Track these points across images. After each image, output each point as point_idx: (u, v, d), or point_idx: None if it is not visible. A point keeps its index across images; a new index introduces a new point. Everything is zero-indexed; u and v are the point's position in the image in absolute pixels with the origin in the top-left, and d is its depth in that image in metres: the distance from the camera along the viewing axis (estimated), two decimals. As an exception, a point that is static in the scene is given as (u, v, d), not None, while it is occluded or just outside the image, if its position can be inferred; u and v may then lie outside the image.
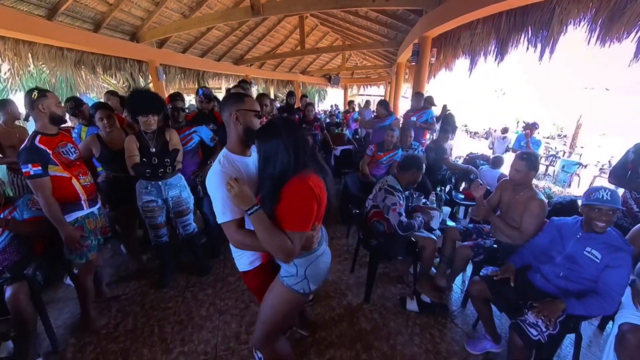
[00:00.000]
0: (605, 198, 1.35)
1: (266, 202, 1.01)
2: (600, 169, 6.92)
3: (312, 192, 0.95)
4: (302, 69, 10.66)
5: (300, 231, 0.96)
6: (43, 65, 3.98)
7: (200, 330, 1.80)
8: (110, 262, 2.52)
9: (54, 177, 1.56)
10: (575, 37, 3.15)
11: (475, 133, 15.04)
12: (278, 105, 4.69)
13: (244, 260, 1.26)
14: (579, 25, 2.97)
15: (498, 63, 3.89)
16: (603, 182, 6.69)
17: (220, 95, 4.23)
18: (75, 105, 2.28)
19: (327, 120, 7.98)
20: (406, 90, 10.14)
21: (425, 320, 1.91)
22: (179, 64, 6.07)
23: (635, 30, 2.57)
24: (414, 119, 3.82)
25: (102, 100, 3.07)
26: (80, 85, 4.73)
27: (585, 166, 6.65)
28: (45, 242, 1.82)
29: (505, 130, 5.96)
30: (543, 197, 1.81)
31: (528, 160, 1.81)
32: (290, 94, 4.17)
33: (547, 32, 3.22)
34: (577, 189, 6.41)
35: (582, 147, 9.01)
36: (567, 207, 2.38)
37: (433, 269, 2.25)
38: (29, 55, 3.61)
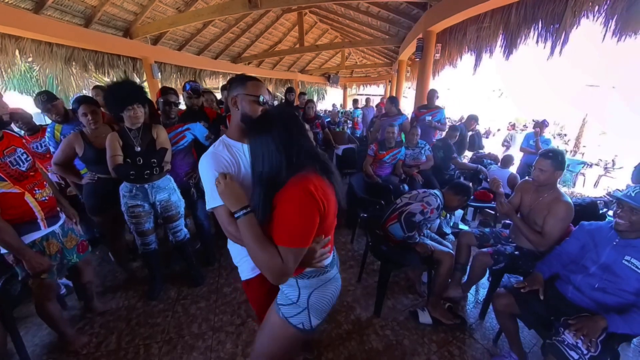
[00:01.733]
0: (629, 193, 1.22)
1: (257, 210, 0.82)
2: (605, 167, 6.78)
3: (311, 199, 0.76)
4: (301, 67, 10.49)
5: (295, 247, 0.77)
6: (32, 62, 3.78)
7: (190, 351, 1.61)
8: (97, 271, 2.32)
9: (1, 195, 1.27)
10: (586, 31, 2.99)
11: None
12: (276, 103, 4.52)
13: (246, 265, 1.09)
14: (594, 18, 2.81)
15: (506, 57, 3.72)
16: (609, 181, 6.54)
17: (219, 95, 4.05)
18: (48, 99, 2.05)
19: (328, 119, 7.82)
20: (406, 90, 10.00)
21: (443, 337, 1.73)
22: (175, 62, 5.88)
23: None
24: (428, 118, 3.63)
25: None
26: (71, 83, 4.52)
27: (591, 165, 6.50)
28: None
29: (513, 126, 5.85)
30: (569, 200, 1.63)
31: (554, 159, 1.64)
32: (290, 90, 3.99)
33: (558, 25, 3.05)
34: (582, 189, 6.26)
35: (584, 147, 8.89)
36: (588, 209, 2.21)
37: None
38: (16, 51, 3.41)
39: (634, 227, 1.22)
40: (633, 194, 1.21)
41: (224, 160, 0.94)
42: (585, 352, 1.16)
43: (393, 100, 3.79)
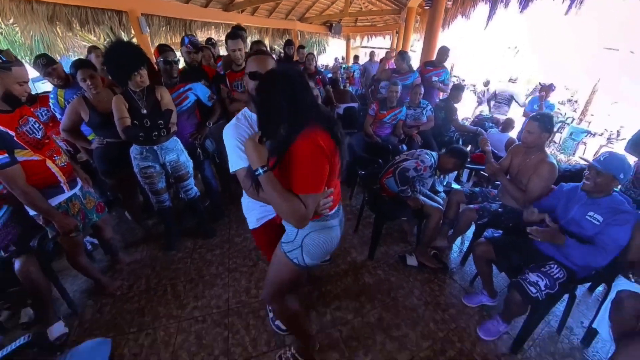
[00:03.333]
0: (599, 159, 1.36)
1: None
2: (608, 138, 6.67)
3: (320, 149, 0.85)
4: (300, 14, 9.61)
5: (314, 193, 0.88)
6: (14, 24, 3.53)
7: (211, 287, 1.90)
8: (116, 230, 2.53)
9: (25, 163, 1.35)
10: None
11: (474, 89, 14.24)
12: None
13: (252, 217, 1.26)
14: None
15: (522, 9, 3.46)
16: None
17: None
18: (47, 62, 1.99)
19: (329, 74, 7.46)
20: (414, 43, 9.30)
21: (426, 276, 2.01)
22: (162, 12, 5.42)
23: None
24: (435, 78, 3.51)
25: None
26: (58, 44, 4.27)
27: (594, 135, 6.38)
28: None
29: (487, 83, 5.70)
30: (554, 161, 1.74)
31: (541, 122, 1.71)
32: (288, 44, 3.77)
33: None
34: (580, 158, 6.29)
35: (592, 115, 8.59)
36: (575, 175, 2.32)
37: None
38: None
39: (598, 188, 1.37)
40: (602, 159, 1.34)
41: (243, 132, 1.07)
42: (543, 288, 1.39)
43: (404, 56, 3.57)
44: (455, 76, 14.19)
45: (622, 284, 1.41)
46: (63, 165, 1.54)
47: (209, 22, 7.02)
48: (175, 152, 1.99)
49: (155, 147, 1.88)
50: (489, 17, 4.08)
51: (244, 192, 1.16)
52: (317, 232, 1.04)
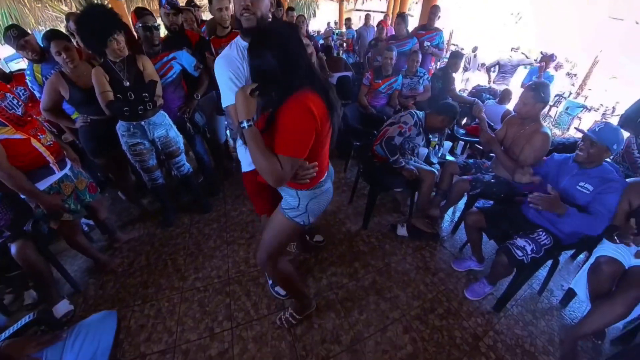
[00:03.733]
0: (594, 129, 1.38)
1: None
2: (603, 113, 6.63)
3: (310, 115, 0.83)
4: (289, -26, 8.84)
5: (293, 157, 0.88)
6: None
7: (211, 259, 1.95)
8: (111, 210, 2.51)
9: (6, 142, 1.28)
10: None
11: (483, 64, 13.76)
12: None
13: (246, 160, 1.27)
14: None
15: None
16: None
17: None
18: (19, 34, 1.82)
19: (321, 41, 7.04)
20: (412, 6, 8.72)
21: (418, 244, 2.10)
22: (137, -32, 4.91)
23: None
24: (427, 43, 3.35)
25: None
26: (27, 17, 3.89)
27: (590, 109, 6.32)
28: None
29: (474, 49, 5.54)
30: (548, 131, 1.74)
31: (536, 91, 1.68)
32: (277, 5, 3.50)
33: None
34: (575, 132, 6.29)
35: (589, 90, 8.44)
36: (568, 147, 2.36)
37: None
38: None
39: (590, 159, 1.40)
40: (597, 130, 1.36)
41: (236, 62, 1.03)
42: (529, 252, 1.47)
43: (404, 19, 3.36)
44: (454, 44, 13.62)
45: (601, 249, 1.49)
46: (49, 144, 1.48)
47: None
48: (164, 127, 1.91)
49: (142, 123, 1.80)
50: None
51: None
52: (317, 198, 1.10)
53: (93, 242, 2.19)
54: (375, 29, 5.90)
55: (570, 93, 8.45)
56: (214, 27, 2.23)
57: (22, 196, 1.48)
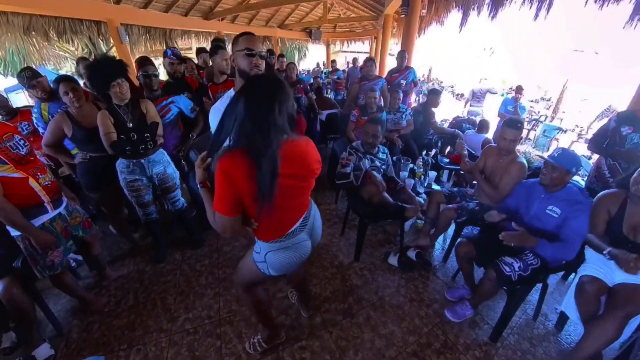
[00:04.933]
0: (553, 155, 1.50)
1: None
2: (579, 134, 7.16)
3: (223, 177, 0.85)
4: (279, 21, 9.72)
5: (219, 213, 0.90)
6: None
7: (202, 298, 1.90)
8: (101, 244, 2.44)
9: (6, 179, 1.33)
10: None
11: (461, 95, 14.85)
12: None
13: None
14: None
15: (492, 17, 3.71)
16: (580, 147, 6.94)
17: (189, 54, 3.84)
18: (32, 75, 1.98)
19: (311, 80, 7.57)
20: (392, 47, 9.61)
21: (410, 275, 2.10)
22: (141, 22, 5.35)
23: None
24: (403, 82, 3.68)
25: (66, 71, 2.71)
26: (34, 55, 4.15)
27: (565, 131, 6.88)
28: None
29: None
30: (524, 161, 1.89)
31: (519, 128, 1.86)
32: (270, 53, 3.84)
33: None
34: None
35: (563, 112, 9.19)
36: None
37: (419, 221, 2.53)
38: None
39: (554, 182, 1.52)
40: (556, 155, 1.49)
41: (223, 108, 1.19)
42: (517, 269, 1.50)
43: (373, 62, 3.75)
44: (435, 78, 14.77)
45: (585, 269, 1.55)
46: (47, 184, 1.52)
47: (189, 30, 6.98)
48: (162, 164, 1.99)
49: (142, 160, 1.88)
50: (462, 24, 4.33)
51: None
52: (275, 252, 1.09)
53: (80, 278, 2.13)
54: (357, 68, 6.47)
55: (546, 117, 9.12)
56: (211, 75, 2.44)
57: (13, 234, 1.48)
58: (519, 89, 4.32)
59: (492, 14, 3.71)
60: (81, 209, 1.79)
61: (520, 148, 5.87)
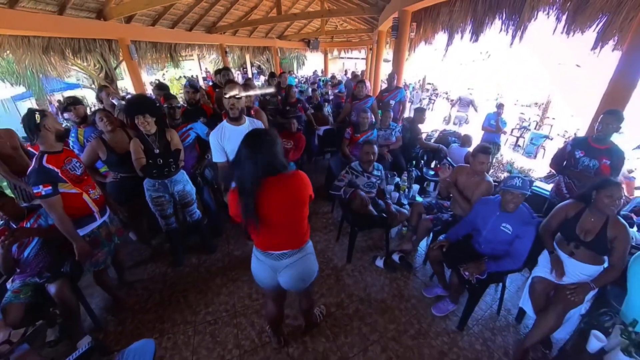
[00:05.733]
0: (517, 184, 1.79)
1: None
2: (565, 141, 7.59)
3: (230, 198, 1.26)
4: (279, 33, 10.12)
5: (232, 216, 1.28)
6: (9, 55, 3.76)
7: (218, 295, 2.26)
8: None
9: (65, 194, 1.66)
10: (544, 24, 3.41)
11: (453, 101, 15.26)
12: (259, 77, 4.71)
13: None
14: (549, 13, 3.23)
15: (473, 42, 4.10)
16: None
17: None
18: (74, 101, 2.35)
19: (309, 91, 7.92)
20: (388, 52, 10.01)
21: (394, 275, 2.47)
22: (150, 39, 5.73)
23: (596, 22, 2.90)
24: (392, 102, 4.07)
25: (79, 82, 3.04)
26: (50, 71, 4.49)
27: (552, 139, 7.30)
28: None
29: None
30: (491, 180, 2.25)
31: (490, 153, 2.23)
32: (272, 76, 4.23)
33: (518, 17, 3.45)
34: (542, 160, 7.12)
35: (553, 118, 9.57)
36: None
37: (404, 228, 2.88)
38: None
39: (516, 207, 1.85)
40: (520, 184, 1.77)
41: (220, 134, 1.87)
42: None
43: (364, 84, 4.14)
44: (429, 83, 15.20)
45: (536, 271, 1.91)
46: (96, 197, 1.89)
47: (192, 43, 7.34)
48: (182, 182, 2.34)
49: (166, 181, 2.23)
50: (447, 45, 4.72)
51: None
52: (254, 255, 1.42)
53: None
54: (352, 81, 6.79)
55: (536, 123, 9.55)
56: (220, 100, 2.82)
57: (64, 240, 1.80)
58: (500, 106, 4.72)
59: (473, 39, 4.11)
60: (117, 220, 2.14)
61: (512, 155, 6.34)
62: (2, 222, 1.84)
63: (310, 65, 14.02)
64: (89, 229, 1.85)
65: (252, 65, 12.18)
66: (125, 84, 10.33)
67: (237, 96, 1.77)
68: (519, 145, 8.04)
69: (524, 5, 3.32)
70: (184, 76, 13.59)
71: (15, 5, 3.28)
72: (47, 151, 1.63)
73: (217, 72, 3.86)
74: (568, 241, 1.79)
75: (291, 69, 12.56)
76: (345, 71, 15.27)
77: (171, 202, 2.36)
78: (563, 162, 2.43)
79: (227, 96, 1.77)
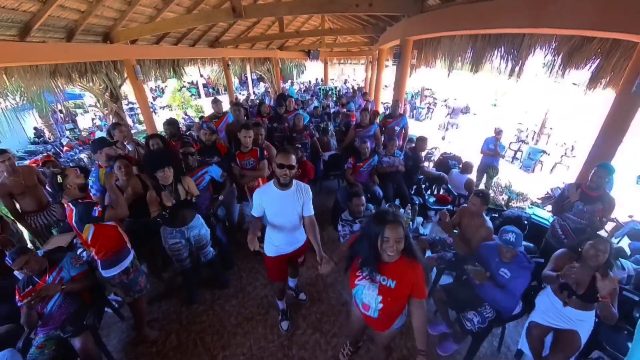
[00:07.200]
0: (511, 240, 1.95)
1: None
2: (562, 155, 7.76)
3: None
4: (280, 44, 10.18)
5: None
6: (18, 81, 3.78)
7: (235, 336, 2.34)
8: None
9: (103, 227, 1.87)
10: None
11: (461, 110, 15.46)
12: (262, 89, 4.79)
13: (268, 248, 2.00)
14: (545, 52, 3.37)
15: (473, 73, 4.24)
16: (562, 169, 7.49)
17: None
18: (105, 143, 2.51)
19: (309, 103, 8.01)
20: (388, 64, 10.19)
21: (401, 313, 2.59)
22: (155, 57, 5.77)
23: (590, 64, 3.05)
24: (397, 128, 4.21)
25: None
26: (56, 92, 4.52)
27: (549, 154, 7.48)
28: (90, 289, 2.09)
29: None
30: (490, 226, 2.38)
31: (482, 198, 2.36)
32: (279, 104, 4.33)
33: (517, 52, 3.59)
34: (539, 173, 7.38)
35: (551, 128, 9.74)
36: (514, 220, 3.07)
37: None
38: (4, 76, 3.44)
39: (512, 258, 2.00)
40: (513, 240, 1.94)
41: (263, 196, 1.84)
42: (476, 324, 2.01)
43: (367, 111, 4.29)
44: (428, 89, 15.41)
45: (532, 315, 2.06)
46: (125, 229, 2.07)
47: (195, 58, 7.38)
48: (198, 227, 2.41)
49: (183, 228, 2.31)
50: (449, 72, 4.86)
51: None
52: None
53: (124, 319, 2.52)
54: (361, 99, 6.95)
55: (535, 132, 9.74)
56: (235, 135, 2.94)
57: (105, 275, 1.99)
58: (498, 132, 4.86)
59: (473, 70, 4.24)
60: None
61: (510, 167, 6.60)
62: (24, 276, 1.90)
63: (310, 72, 14.10)
64: (128, 260, 2.03)
65: (252, 73, 12.23)
66: (125, 89, 10.31)
67: (292, 165, 1.74)
68: (516, 158, 8.24)
69: (522, 43, 3.47)
70: (185, 86, 13.58)
71: (26, 38, 3.31)
72: (78, 197, 1.86)
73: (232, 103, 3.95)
74: (561, 290, 1.93)
75: (291, 77, 12.64)
76: (345, 80, 15.41)
77: (187, 247, 2.43)
78: (563, 204, 2.57)
79: (279, 163, 1.72)
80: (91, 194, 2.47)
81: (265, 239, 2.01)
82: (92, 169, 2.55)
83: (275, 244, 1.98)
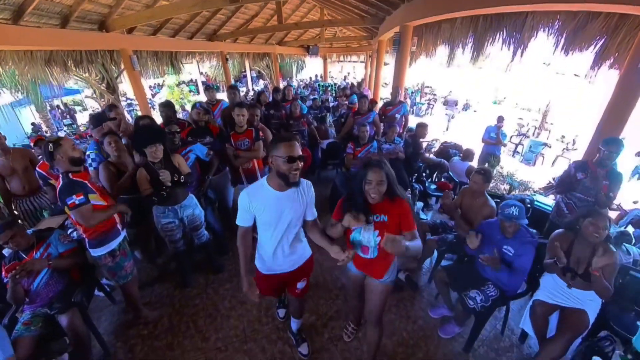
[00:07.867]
0: (514, 214, 1.88)
1: None
2: (564, 148, 7.69)
3: None
4: (279, 39, 10.14)
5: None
6: (12, 68, 3.74)
7: (228, 319, 2.27)
8: None
9: (94, 206, 1.79)
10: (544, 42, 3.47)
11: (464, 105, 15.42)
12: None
13: (260, 265, 1.67)
14: (549, 33, 3.29)
15: (474, 60, 4.16)
16: (564, 162, 7.42)
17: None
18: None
19: (308, 93, 7.95)
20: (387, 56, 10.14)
21: (401, 294, 2.50)
22: (152, 48, 5.72)
23: (594, 43, 2.96)
24: (397, 116, 4.14)
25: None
26: (52, 81, 4.47)
27: (550, 147, 7.41)
28: (80, 268, 2.04)
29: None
30: (493, 204, 2.30)
31: (485, 175, 2.28)
32: (276, 90, 4.25)
33: (519, 35, 3.51)
34: (541, 166, 7.29)
35: (551, 124, 9.71)
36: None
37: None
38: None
39: (514, 233, 1.94)
40: (516, 214, 1.87)
41: (254, 199, 1.37)
42: (479, 302, 1.92)
43: (366, 98, 4.22)
44: (428, 86, 15.36)
45: (537, 294, 1.98)
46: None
47: (193, 51, 7.34)
48: (191, 207, 2.34)
49: (175, 206, 2.24)
50: (449, 59, 4.79)
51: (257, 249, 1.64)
52: None
53: (115, 303, 2.44)
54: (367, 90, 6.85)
55: (535, 127, 9.68)
56: (229, 118, 2.86)
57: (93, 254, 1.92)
58: (500, 119, 4.79)
59: (474, 56, 4.16)
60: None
61: (511, 160, 6.52)
62: (10, 251, 1.84)
63: (310, 69, 14.06)
64: (116, 242, 1.94)
65: (251, 70, 12.20)
66: (124, 87, 10.30)
67: (301, 155, 1.32)
68: (517, 152, 8.17)
69: (525, 25, 3.39)
70: (184, 82, 13.57)
71: (19, 21, 3.26)
72: (70, 170, 1.74)
73: (229, 87, 3.87)
74: (564, 272, 1.85)
75: (290, 75, 12.61)
76: (345, 76, 15.36)
77: (180, 227, 2.36)
78: (569, 185, 2.49)
79: (287, 157, 1.27)
80: (91, 168, 2.36)
81: (257, 255, 1.65)
82: (89, 143, 2.51)
83: (266, 259, 1.59)
